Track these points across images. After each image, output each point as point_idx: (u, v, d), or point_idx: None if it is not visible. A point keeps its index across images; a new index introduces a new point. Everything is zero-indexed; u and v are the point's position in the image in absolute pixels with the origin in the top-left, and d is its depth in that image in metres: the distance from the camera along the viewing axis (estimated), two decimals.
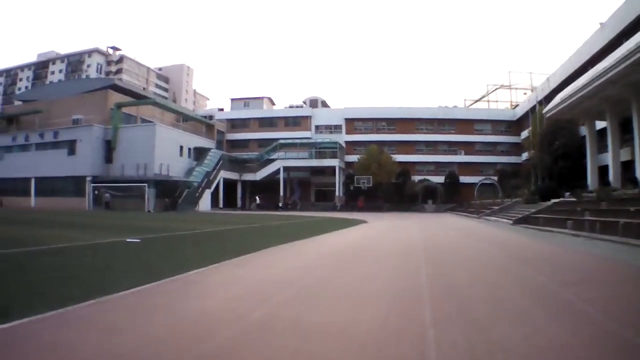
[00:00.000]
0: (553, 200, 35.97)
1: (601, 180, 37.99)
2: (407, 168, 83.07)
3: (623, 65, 26.76)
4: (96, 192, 63.12)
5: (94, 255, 11.51)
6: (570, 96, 35.35)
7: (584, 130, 45.19)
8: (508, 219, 34.31)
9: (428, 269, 10.25)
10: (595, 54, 45.75)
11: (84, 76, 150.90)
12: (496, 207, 44.08)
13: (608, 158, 36.51)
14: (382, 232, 23.98)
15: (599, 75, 29.77)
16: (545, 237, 19.39)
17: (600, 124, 40.12)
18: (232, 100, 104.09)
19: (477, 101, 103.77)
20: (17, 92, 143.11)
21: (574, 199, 28.80)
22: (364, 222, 36.38)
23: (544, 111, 45.66)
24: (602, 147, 40.44)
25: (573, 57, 53.88)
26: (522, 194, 47.57)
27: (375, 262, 11.74)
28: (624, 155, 36.38)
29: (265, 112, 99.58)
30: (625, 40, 38.21)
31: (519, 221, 29.71)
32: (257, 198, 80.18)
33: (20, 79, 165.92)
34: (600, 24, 45.77)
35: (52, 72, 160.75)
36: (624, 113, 34.46)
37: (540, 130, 54.45)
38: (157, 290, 7.24)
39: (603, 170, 38.91)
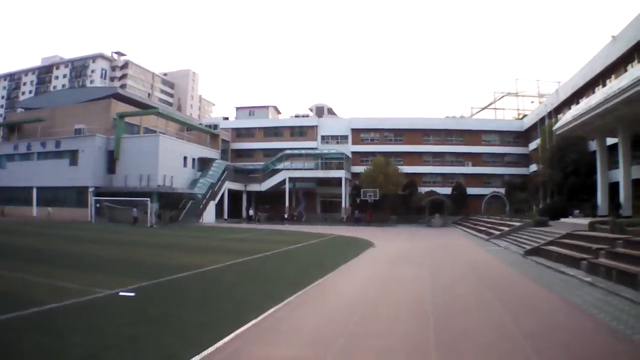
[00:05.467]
0: (562, 221, 35.59)
1: (611, 198, 37.32)
2: (413, 179, 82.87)
3: None
4: (98, 205, 62.38)
5: (77, 330, 9.93)
6: (583, 114, 34.54)
7: (593, 145, 44.68)
8: (518, 246, 32.94)
9: None
10: (607, 67, 45.98)
11: (88, 82, 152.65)
12: (506, 229, 42.61)
13: (619, 175, 35.87)
14: (385, 278, 21.14)
15: (615, 94, 28.91)
16: (559, 285, 17.75)
17: (610, 140, 39.31)
18: (238, 109, 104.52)
19: (483, 109, 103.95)
20: (21, 98, 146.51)
21: (586, 228, 27.38)
22: (371, 245, 35.20)
23: (554, 128, 44.73)
24: (612, 163, 39.82)
25: (584, 69, 53.34)
26: (530, 215, 46.58)
27: None
28: (635, 173, 35.88)
29: (270, 121, 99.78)
30: (638, 55, 37.94)
31: (530, 252, 28.12)
32: (250, 210, 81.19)
33: (24, 84, 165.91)
34: (613, 36, 45.27)
35: (56, 77, 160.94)
36: (637, 130, 34.09)
37: (549, 145, 53.76)
38: None
39: (613, 187, 38.17)
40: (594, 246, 21.45)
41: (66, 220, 58.11)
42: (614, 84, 31.50)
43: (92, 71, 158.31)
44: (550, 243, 27.61)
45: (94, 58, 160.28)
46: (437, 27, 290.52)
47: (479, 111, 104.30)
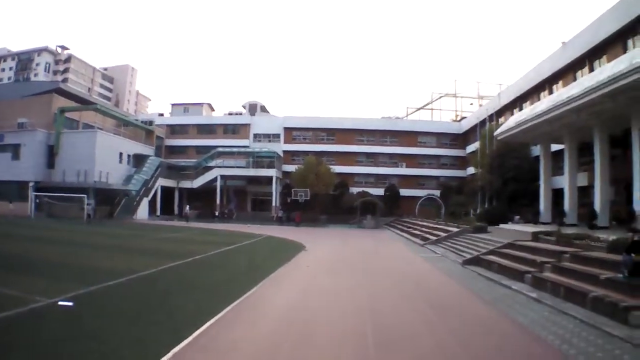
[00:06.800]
0: (502, 227, 35.27)
1: (554, 205, 37.16)
2: (345, 180, 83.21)
3: (594, 96, 25.54)
4: (37, 200, 62.49)
5: (20, 346, 9.52)
6: (529, 120, 34.07)
7: (535, 151, 45.14)
8: (456, 254, 32.05)
9: None
10: (555, 73, 46.72)
11: (32, 75, 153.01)
12: (442, 234, 41.76)
13: (563, 182, 35.43)
14: (319, 289, 19.31)
15: (564, 102, 28.70)
16: (504, 300, 16.92)
17: (554, 146, 39.32)
18: (173, 105, 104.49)
19: (420, 109, 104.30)
20: None
21: (529, 238, 26.52)
22: (302, 248, 34.92)
23: (495, 132, 44.25)
24: (556, 170, 39.78)
25: (530, 73, 53.76)
26: (468, 220, 45.89)
27: None
28: (580, 181, 35.54)
29: (204, 118, 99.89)
30: (589, 63, 39.55)
31: (470, 262, 27.20)
32: (187, 207, 78.74)
33: None
34: (563, 42, 45.73)
35: (3, 70, 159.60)
36: (583, 139, 33.82)
37: (489, 150, 53.76)
38: None
39: (555, 193, 38.13)
40: (539, 259, 20.81)
41: (6, 215, 57.30)
42: (563, 92, 31.29)
43: (37, 64, 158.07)
44: (491, 252, 26.77)
45: (40, 51, 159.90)
46: (373, 25, 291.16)
47: (414, 111, 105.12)
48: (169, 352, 9.53)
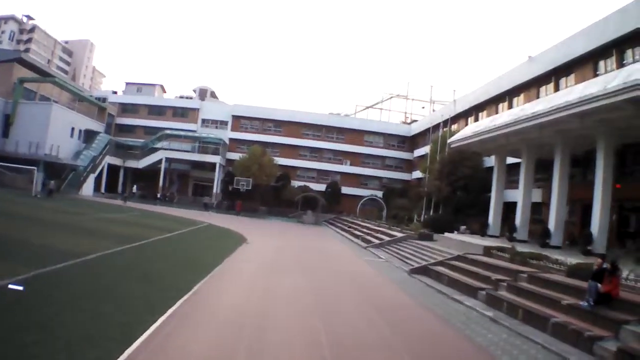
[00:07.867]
0: (448, 236, 35.46)
1: (504, 219, 36.75)
2: (288, 172, 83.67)
3: (561, 114, 25.45)
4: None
5: None
6: (487, 131, 33.80)
7: (488, 162, 45.30)
8: (401, 261, 31.62)
9: None
10: (517, 86, 46.96)
11: None
12: (386, 238, 41.39)
13: (515, 196, 35.23)
14: (266, 289, 18.67)
15: (528, 118, 28.50)
16: (459, 317, 16.45)
17: (510, 159, 38.83)
18: (127, 84, 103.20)
19: (368, 107, 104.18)
20: None
21: (479, 252, 26.04)
22: (244, 240, 34.93)
23: (450, 140, 43.84)
24: (508, 183, 39.50)
25: (490, 84, 53.53)
26: (415, 226, 45.76)
27: None
28: (534, 197, 35.20)
29: (154, 99, 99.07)
30: (555, 79, 40.53)
31: (417, 271, 26.83)
32: (134, 187, 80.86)
33: None
34: (530, 57, 45.69)
35: None
36: (542, 155, 33.65)
37: (440, 157, 53.59)
38: None
39: (507, 206, 37.80)
40: (494, 276, 20.59)
41: None
42: (528, 107, 31.26)
43: (2, 32, 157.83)
44: (440, 263, 26.55)
45: (6, 19, 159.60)
46: (328, 21, 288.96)
47: (363, 109, 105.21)
48: (120, 354, 8.99)
